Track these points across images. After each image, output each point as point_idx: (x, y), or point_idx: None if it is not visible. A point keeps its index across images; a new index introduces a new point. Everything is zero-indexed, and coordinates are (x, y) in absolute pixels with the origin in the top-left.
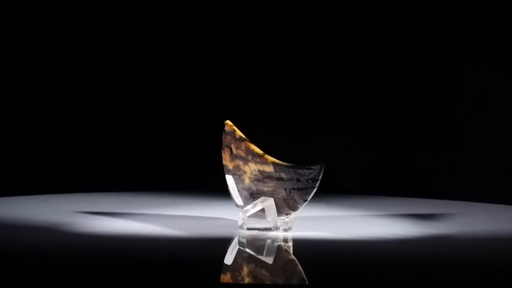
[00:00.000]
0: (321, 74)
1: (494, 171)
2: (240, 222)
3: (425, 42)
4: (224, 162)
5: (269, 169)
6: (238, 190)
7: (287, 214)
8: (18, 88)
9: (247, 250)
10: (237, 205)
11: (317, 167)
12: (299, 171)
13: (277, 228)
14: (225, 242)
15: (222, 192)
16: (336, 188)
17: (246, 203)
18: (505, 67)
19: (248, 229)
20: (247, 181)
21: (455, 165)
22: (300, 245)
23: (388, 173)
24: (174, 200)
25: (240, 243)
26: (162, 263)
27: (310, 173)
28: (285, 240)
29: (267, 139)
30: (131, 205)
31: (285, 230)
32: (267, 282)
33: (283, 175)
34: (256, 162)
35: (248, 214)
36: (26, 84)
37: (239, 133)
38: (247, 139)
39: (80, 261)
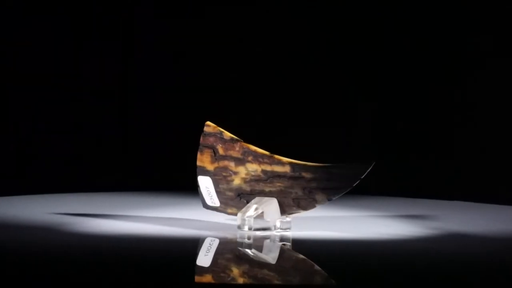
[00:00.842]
0: (321, 75)
1: (494, 171)
2: (238, 223)
3: (427, 43)
4: (199, 164)
5: (283, 169)
6: (218, 191)
7: (289, 214)
8: (16, 89)
9: (253, 251)
10: (207, 207)
11: (362, 166)
12: (334, 170)
13: (277, 228)
14: (230, 243)
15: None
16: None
17: (227, 204)
18: (507, 69)
19: (255, 230)
20: (237, 181)
21: (455, 165)
22: (301, 245)
23: (388, 174)
24: (175, 201)
25: (242, 244)
26: (163, 264)
27: (348, 173)
28: (286, 240)
29: (266, 139)
30: (131, 205)
31: (285, 229)
32: (286, 283)
33: (305, 174)
34: (260, 163)
35: (251, 215)
36: (25, 85)
37: (228, 134)
38: (241, 140)
39: (80, 261)
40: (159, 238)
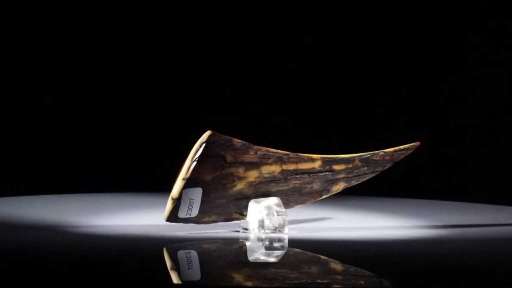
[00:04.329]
0: (322, 76)
1: (495, 172)
2: (256, 225)
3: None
4: (193, 175)
5: (312, 165)
6: (204, 201)
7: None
8: (16, 89)
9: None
10: (174, 220)
11: (401, 150)
12: (375, 157)
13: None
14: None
15: None
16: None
17: (209, 212)
18: (506, 69)
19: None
20: (240, 186)
21: (457, 166)
22: (302, 245)
23: (389, 174)
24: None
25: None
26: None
27: (392, 157)
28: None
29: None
30: (132, 206)
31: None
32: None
33: (336, 167)
34: (283, 163)
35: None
36: (26, 84)
37: (238, 140)
38: (252, 144)
39: (80, 261)
40: (162, 239)
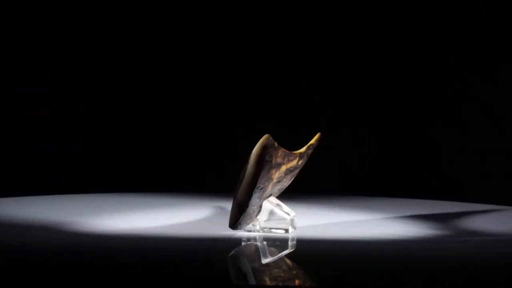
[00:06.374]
0: (323, 76)
1: (496, 172)
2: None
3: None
4: (259, 179)
5: (295, 162)
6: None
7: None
8: (21, 86)
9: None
10: (239, 227)
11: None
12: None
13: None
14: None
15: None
16: (335, 189)
17: (249, 216)
18: (506, 71)
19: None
20: (269, 188)
21: (457, 166)
22: (305, 246)
23: (389, 174)
24: (175, 201)
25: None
26: (175, 263)
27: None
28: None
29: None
30: (131, 205)
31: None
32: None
33: (300, 162)
34: (289, 161)
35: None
36: (29, 83)
37: (275, 142)
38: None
39: (80, 261)
40: (163, 238)
